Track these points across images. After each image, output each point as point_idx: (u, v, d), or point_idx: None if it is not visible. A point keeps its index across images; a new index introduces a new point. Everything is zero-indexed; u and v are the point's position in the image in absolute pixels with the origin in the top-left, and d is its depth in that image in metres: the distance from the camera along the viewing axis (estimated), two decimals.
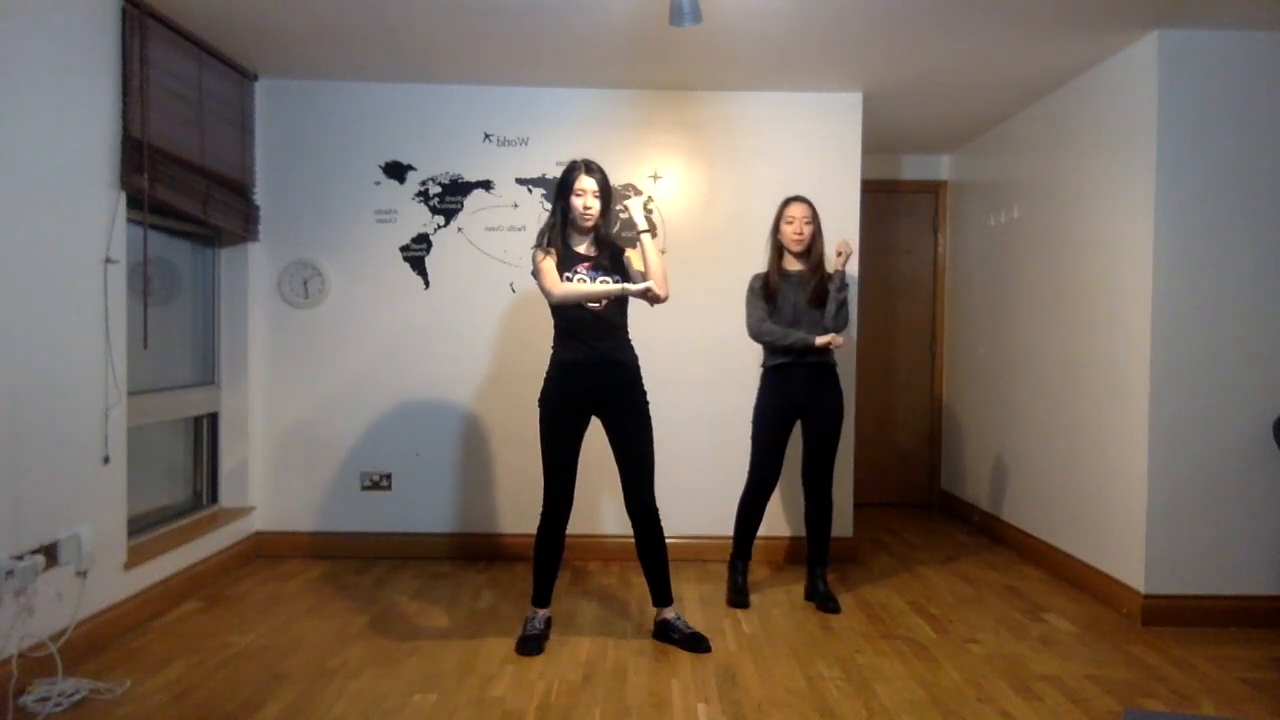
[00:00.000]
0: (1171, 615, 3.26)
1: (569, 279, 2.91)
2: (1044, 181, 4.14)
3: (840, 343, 3.32)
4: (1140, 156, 3.33)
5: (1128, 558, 3.38)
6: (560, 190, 2.97)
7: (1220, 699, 2.64)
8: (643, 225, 2.96)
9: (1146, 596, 3.27)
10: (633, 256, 3.03)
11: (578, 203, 2.92)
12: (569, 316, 2.94)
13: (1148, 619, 3.26)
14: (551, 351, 3.03)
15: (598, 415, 3.02)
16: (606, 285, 2.92)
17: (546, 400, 2.99)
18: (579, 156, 3.02)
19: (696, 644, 2.95)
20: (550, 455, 2.97)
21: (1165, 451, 3.26)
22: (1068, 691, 2.67)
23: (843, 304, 3.38)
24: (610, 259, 3.01)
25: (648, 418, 3.02)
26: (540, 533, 3.01)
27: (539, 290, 2.98)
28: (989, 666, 2.86)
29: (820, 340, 3.29)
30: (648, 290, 2.83)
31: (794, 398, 3.42)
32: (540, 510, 3.01)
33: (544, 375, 3.02)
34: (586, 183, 2.92)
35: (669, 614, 3.05)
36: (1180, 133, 3.24)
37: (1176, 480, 3.27)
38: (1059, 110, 3.99)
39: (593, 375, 2.95)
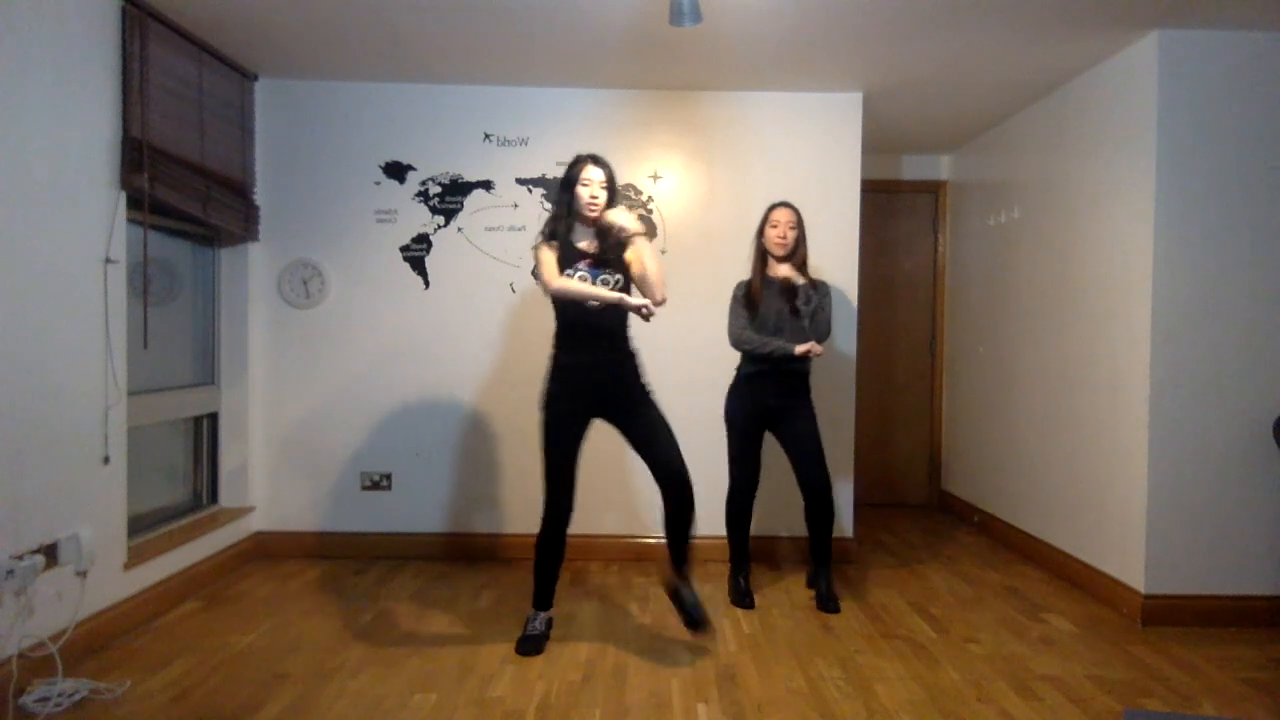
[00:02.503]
0: (1171, 615, 3.26)
1: (569, 276, 2.88)
2: (1044, 181, 4.14)
3: (819, 352, 3.27)
4: (1140, 156, 3.33)
5: (1128, 558, 3.38)
6: (565, 182, 2.94)
7: (1220, 699, 2.64)
8: (631, 229, 2.88)
9: (1146, 596, 3.28)
10: (631, 259, 2.98)
11: (584, 192, 2.90)
12: (571, 319, 2.92)
13: (1148, 619, 3.27)
14: (552, 352, 3.00)
15: (604, 419, 2.98)
16: (605, 291, 2.84)
17: (547, 404, 2.94)
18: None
19: (695, 624, 2.92)
20: (551, 459, 2.93)
21: (1165, 451, 3.26)
22: (1068, 691, 2.67)
23: (815, 314, 3.35)
24: (611, 255, 2.95)
25: (656, 405, 2.97)
26: (541, 537, 2.97)
27: (538, 287, 2.94)
28: (989, 666, 2.86)
29: (800, 349, 3.26)
30: (642, 308, 2.76)
31: (764, 401, 3.40)
32: (541, 513, 2.96)
33: (544, 376, 2.99)
34: (594, 173, 2.91)
35: (682, 585, 2.97)
36: (1180, 133, 3.24)
37: (1176, 480, 3.27)
38: (1059, 110, 3.99)
39: (593, 378, 2.92)
